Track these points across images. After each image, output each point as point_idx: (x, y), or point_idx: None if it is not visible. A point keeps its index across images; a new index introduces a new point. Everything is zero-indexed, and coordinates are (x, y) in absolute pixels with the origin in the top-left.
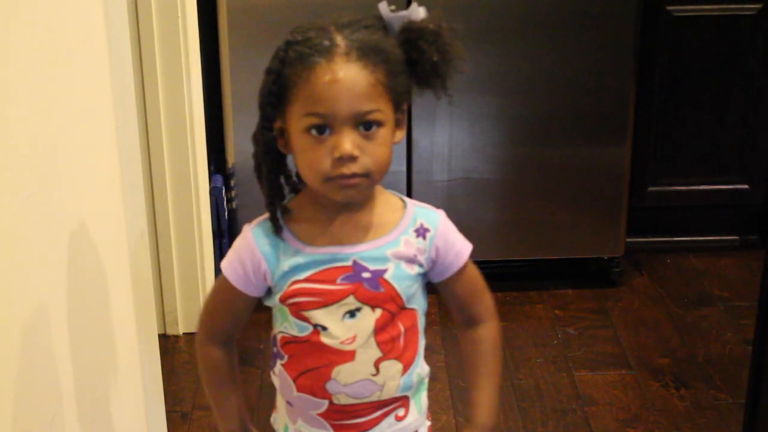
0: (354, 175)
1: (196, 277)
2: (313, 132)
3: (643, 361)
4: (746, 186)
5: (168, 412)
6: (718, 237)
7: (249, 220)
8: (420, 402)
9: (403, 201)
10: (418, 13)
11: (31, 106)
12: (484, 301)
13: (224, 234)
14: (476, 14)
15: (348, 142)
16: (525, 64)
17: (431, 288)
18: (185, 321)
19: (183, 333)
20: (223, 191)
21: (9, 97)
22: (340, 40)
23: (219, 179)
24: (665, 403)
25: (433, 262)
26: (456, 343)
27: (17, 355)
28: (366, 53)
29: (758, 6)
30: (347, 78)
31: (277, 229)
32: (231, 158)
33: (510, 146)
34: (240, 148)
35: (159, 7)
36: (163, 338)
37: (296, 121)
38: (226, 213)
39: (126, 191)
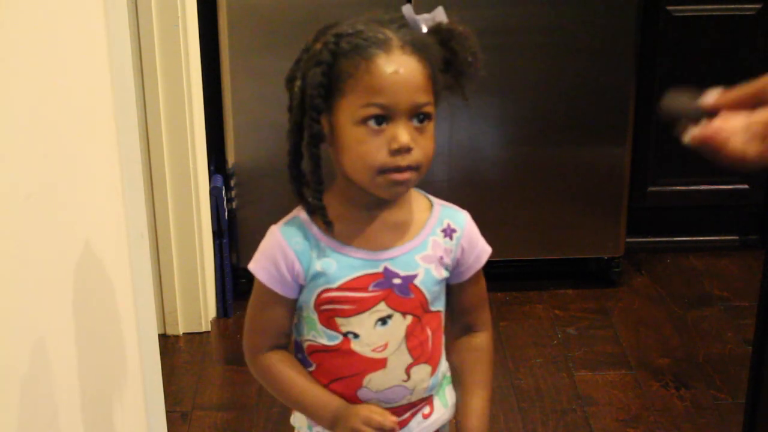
0: (408, 168)
1: (196, 277)
2: (372, 123)
3: (643, 361)
4: (746, 186)
5: (168, 412)
6: (718, 237)
7: (249, 220)
8: (445, 397)
9: (429, 200)
10: (442, 15)
11: (31, 107)
12: (486, 310)
13: (224, 234)
14: (476, 14)
15: (405, 133)
16: (525, 64)
17: None
18: (185, 321)
19: (183, 333)
20: (223, 191)
21: (9, 98)
22: (390, 34)
23: (219, 179)
24: (665, 403)
25: (457, 263)
26: None
27: (18, 355)
28: (419, 48)
29: (758, 6)
30: (407, 70)
31: (328, 224)
32: (231, 158)
33: (510, 146)
34: (240, 148)
35: (159, 7)
36: (163, 338)
37: (351, 113)
38: (226, 213)
39: (126, 191)
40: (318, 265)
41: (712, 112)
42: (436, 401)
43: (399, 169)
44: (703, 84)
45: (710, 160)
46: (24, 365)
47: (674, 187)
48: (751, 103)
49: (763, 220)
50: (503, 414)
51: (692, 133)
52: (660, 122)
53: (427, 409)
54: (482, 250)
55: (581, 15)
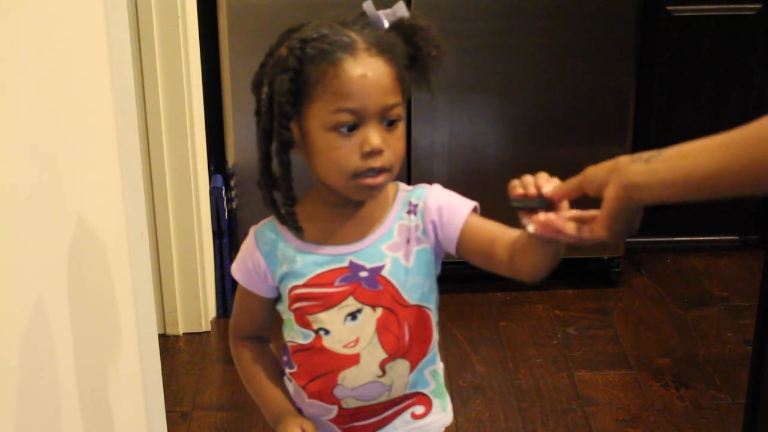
0: (381, 170)
1: (196, 277)
2: (343, 129)
3: (643, 361)
4: None
5: (168, 412)
6: (718, 237)
7: (249, 220)
8: (445, 401)
9: (396, 187)
10: (404, 9)
11: (31, 106)
12: (511, 229)
13: (224, 234)
14: (476, 14)
15: (376, 136)
16: (525, 64)
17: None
18: (185, 321)
19: (183, 333)
20: (223, 191)
21: (9, 98)
22: (355, 36)
23: (219, 179)
24: (665, 403)
25: (434, 233)
26: (456, 342)
27: (18, 355)
28: (384, 48)
29: (758, 6)
30: (375, 73)
31: (297, 230)
32: (231, 158)
33: (510, 146)
34: (240, 148)
35: (159, 7)
36: (163, 338)
37: (321, 118)
38: (226, 213)
39: (126, 191)
40: (285, 265)
41: (549, 201)
42: (436, 404)
43: (372, 172)
44: (703, 84)
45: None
46: (24, 365)
47: None
48: (577, 193)
49: (763, 220)
50: (503, 414)
51: (534, 224)
52: (660, 122)
53: (419, 409)
54: (459, 205)
55: (581, 15)
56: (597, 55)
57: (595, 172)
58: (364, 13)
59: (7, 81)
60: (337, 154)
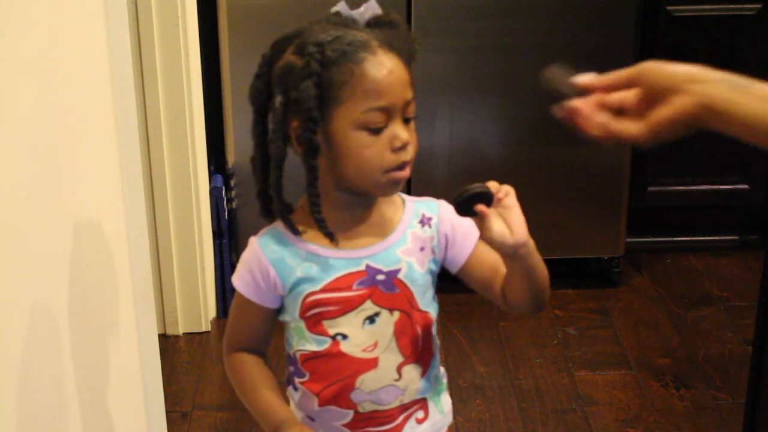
0: (409, 163)
1: (196, 277)
2: (375, 127)
3: (643, 361)
4: (746, 186)
5: (168, 412)
6: (718, 237)
7: (248, 220)
8: (441, 403)
9: (401, 197)
10: (376, 7)
11: (31, 106)
12: None
13: (224, 234)
14: (476, 14)
15: (403, 130)
16: (525, 64)
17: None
18: (185, 321)
19: (183, 333)
20: (223, 191)
21: (9, 97)
22: (365, 34)
23: (219, 179)
24: (665, 403)
25: (445, 248)
26: (456, 342)
27: (18, 356)
28: (394, 45)
29: (758, 6)
30: (395, 68)
31: (330, 236)
32: (231, 158)
33: (510, 146)
34: (240, 148)
35: (159, 7)
36: (163, 338)
37: (351, 119)
38: (226, 213)
39: (126, 191)
40: (299, 271)
41: (585, 92)
42: (431, 407)
43: (402, 166)
44: None
45: (711, 158)
46: (23, 365)
47: (674, 187)
48: (623, 88)
49: (763, 220)
50: (503, 414)
51: (560, 108)
52: None
53: (420, 414)
54: (468, 229)
55: (581, 15)
56: (597, 55)
57: (660, 71)
58: (338, 13)
59: (7, 81)
60: (370, 152)
